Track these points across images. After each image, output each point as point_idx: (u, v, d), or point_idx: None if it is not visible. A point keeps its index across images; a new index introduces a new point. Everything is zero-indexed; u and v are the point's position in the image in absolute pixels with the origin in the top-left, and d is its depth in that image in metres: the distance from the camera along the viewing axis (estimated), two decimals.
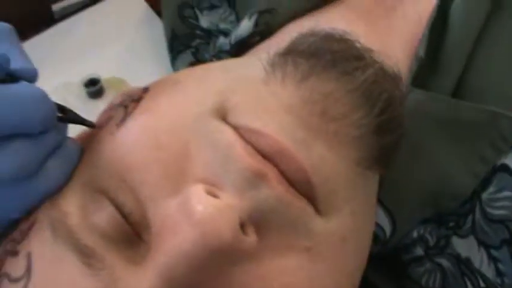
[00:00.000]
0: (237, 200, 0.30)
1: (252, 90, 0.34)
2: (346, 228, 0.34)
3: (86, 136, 0.38)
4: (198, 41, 0.57)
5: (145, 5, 0.70)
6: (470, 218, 0.40)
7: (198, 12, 0.56)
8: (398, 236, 0.42)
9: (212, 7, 0.56)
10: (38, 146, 0.33)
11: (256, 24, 0.48)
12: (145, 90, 0.37)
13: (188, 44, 0.58)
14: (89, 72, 0.63)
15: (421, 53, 0.39)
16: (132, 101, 0.36)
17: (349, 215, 0.34)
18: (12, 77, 0.33)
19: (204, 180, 0.31)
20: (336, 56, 0.33)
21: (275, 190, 0.31)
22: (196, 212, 0.29)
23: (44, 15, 0.73)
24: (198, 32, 0.57)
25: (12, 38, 0.35)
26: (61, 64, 0.64)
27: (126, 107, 0.36)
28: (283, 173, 0.31)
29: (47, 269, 0.32)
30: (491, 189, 0.40)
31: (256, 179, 0.31)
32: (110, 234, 0.32)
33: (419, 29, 0.42)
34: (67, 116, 0.35)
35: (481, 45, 0.40)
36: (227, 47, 0.50)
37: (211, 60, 0.53)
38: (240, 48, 0.49)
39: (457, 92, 0.40)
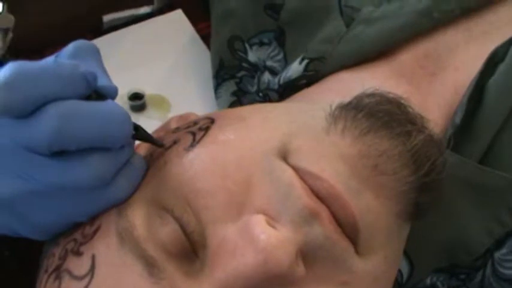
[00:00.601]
0: (292, 233, 0.35)
1: (313, 137, 0.38)
2: (379, 269, 0.38)
3: (149, 152, 0.42)
4: (243, 72, 0.61)
5: (191, 29, 0.74)
6: (480, 273, 0.45)
7: (247, 46, 0.61)
8: (414, 281, 0.46)
9: (262, 44, 0.60)
10: (115, 160, 0.37)
11: (305, 69, 0.52)
12: (212, 121, 0.41)
13: (233, 74, 0.62)
14: (132, 87, 0.66)
15: (458, 120, 0.44)
16: (200, 129, 0.40)
17: (382, 258, 0.38)
18: (97, 94, 0.37)
19: (263, 212, 0.35)
20: (392, 118, 0.37)
21: (326, 229, 0.35)
22: (260, 240, 0.33)
23: (92, 24, 0.76)
24: (244, 64, 0.61)
25: (98, 56, 0.39)
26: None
27: (193, 134, 0.40)
28: (334, 215, 0.35)
29: (111, 272, 0.36)
30: (504, 250, 0.44)
31: (311, 217, 0.35)
32: (171, 248, 0.36)
33: (454, 97, 0.47)
34: (139, 133, 0.39)
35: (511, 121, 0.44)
36: (275, 86, 0.54)
37: (257, 94, 0.57)
38: (287, 88, 0.54)
39: (484, 159, 0.44)
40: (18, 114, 0.33)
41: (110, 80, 0.38)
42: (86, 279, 0.36)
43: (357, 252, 0.36)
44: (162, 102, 0.66)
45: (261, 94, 0.56)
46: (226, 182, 0.36)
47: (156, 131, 0.51)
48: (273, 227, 0.34)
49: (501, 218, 0.43)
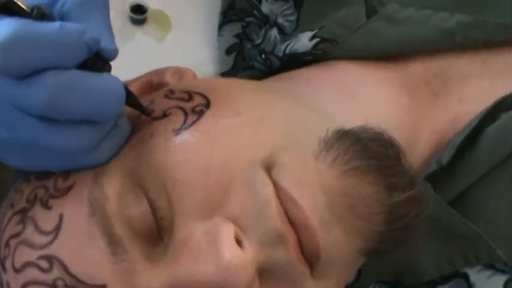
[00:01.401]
0: (256, 251, 0.36)
1: (301, 158, 0.38)
2: None
3: (135, 114, 0.41)
4: (252, 19, 0.59)
5: None
6: None
7: None
8: (357, 285, 0.49)
9: None
10: (103, 130, 0.36)
11: (314, 47, 0.51)
12: (208, 104, 0.40)
13: (242, 18, 0.60)
14: None
15: (444, 161, 0.44)
16: (193, 111, 0.40)
17: (334, 282, 0.40)
18: (96, 56, 0.35)
19: (234, 220, 0.36)
20: (383, 164, 0.38)
21: (289, 254, 0.36)
22: (225, 257, 0.34)
23: None
24: (255, 12, 0.59)
25: (105, 11, 0.38)
26: None
27: (186, 114, 0.40)
28: (300, 242, 0.36)
29: (75, 239, 0.37)
30: (446, 286, 0.46)
31: (278, 240, 0.36)
32: (138, 228, 0.37)
33: (449, 128, 0.47)
34: (130, 99, 0.39)
35: (494, 174, 0.45)
36: (280, 53, 0.53)
37: (259, 55, 0.55)
38: (291, 59, 0.52)
39: (455, 201, 0.45)
40: (14, 75, 0.32)
41: (112, 39, 0.37)
42: (50, 237, 0.37)
43: (312, 274, 0.38)
44: (163, 21, 0.64)
45: (263, 56, 0.54)
46: (206, 181, 0.37)
47: (150, 73, 0.50)
48: (240, 240, 0.35)
49: (453, 260, 0.45)
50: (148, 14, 0.64)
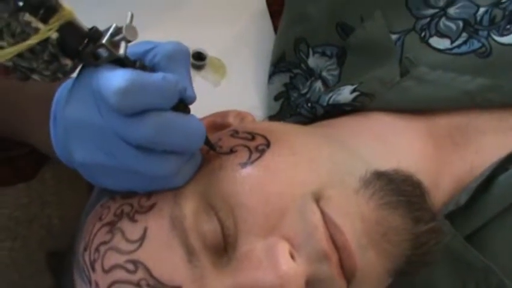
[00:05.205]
0: (306, 265, 0.44)
1: (344, 193, 0.46)
2: None
3: (204, 150, 0.49)
4: (299, 71, 0.68)
5: (263, 2, 0.79)
6: None
7: (311, 51, 0.67)
8: None
9: (323, 54, 0.66)
10: (184, 160, 0.45)
11: (354, 99, 0.59)
12: (268, 144, 0.49)
13: (290, 69, 0.69)
14: (196, 45, 0.72)
15: (462, 202, 0.52)
16: (256, 149, 0.48)
17: None
18: (182, 102, 0.44)
19: (288, 239, 0.44)
20: (411, 201, 0.46)
21: (331, 270, 0.44)
22: (282, 268, 0.42)
23: None
24: (303, 65, 0.68)
25: (188, 62, 0.46)
26: (174, 30, 0.71)
27: (250, 151, 0.48)
28: (341, 260, 0.44)
29: (158, 248, 0.45)
30: None
31: (324, 257, 0.44)
32: (209, 242, 0.45)
33: (467, 174, 0.55)
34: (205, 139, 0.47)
35: (504, 216, 0.52)
36: (324, 103, 0.61)
37: (306, 103, 0.64)
38: (334, 108, 0.61)
39: (471, 236, 0.53)
40: (125, 113, 0.40)
41: (192, 88, 0.45)
42: (135, 245, 0.45)
43: None
44: (219, 68, 0.73)
45: (309, 104, 0.63)
46: (266, 207, 0.45)
47: (214, 115, 0.58)
48: (293, 256, 0.43)
49: None
50: (207, 61, 0.73)
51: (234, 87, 0.73)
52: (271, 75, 0.70)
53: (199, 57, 0.73)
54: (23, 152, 0.72)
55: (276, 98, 0.70)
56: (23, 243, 0.72)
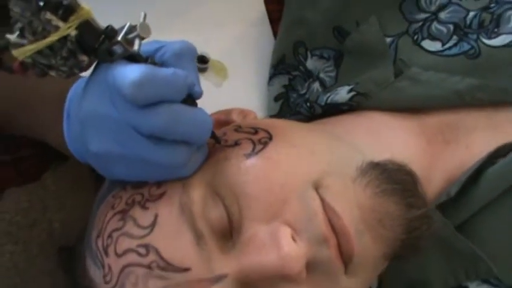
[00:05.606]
0: (307, 248, 0.47)
1: (342, 181, 0.49)
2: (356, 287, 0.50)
3: (210, 143, 0.52)
4: (297, 73, 0.72)
5: (263, 8, 0.82)
6: None
7: (309, 54, 0.71)
8: None
9: (321, 57, 0.70)
10: (192, 151, 0.48)
11: (350, 99, 0.63)
12: (270, 137, 0.52)
13: (289, 71, 0.72)
14: (199, 49, 0.75)
15: (452, 193, 0.55)
16: (259, 142, 0.51)
17: (362, 280, 0.51)
18: (190, 96, 0.47)
19: (290, 225, 0.47)
20: (404, 188, 0.49)
21: (330, 253, 0.47)
22: (284, 249, 0.45)
23: None
24: (301, 67, 0.71)
25: (194, 59, 0.49)
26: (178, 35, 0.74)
27: (254, 144, 0.51)
28: (339, 244, 0.47)
29: (168, 232, 0.47)
30: None
31: (323, 241, 0.47)
32: (216, 227, 0.48)
33: (458, 169, 0.58)
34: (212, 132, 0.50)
35: (491, 206, 0.55)
36: (322, 103, 0.65)
37: (305, 103, 0.67)
38: (331, 107, 0.64)
39: (462, 225, 0.56)
40: (138, 104, 0.43)
41: (199, 84, 0.48)
42: (147, 230, 0.48)
43: (346, 272, 0.49)
44: (221, 70, 0.76)
45: (308, 104, 0.66)
46: (269, 195, 0.48)
47: (218, 112, 0.62)
48: (295, 239, 0.46)
49: (457, 275, 0.56)
50: (210, 64, 0.76)
51: (235, 89, 0.76)
52: (271, 77, 0.74)
53: (202, 60, 0.76)
54: (27, 153, 0.75)
55: (276, 99, 0.73)
56: (24, 247, 0.74)
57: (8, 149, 0.73)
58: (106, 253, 0.50)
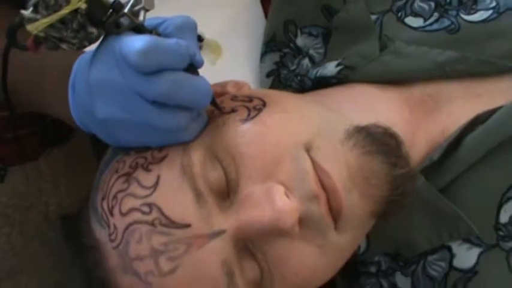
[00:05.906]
0: (299, 204, 0.50)
1: (331, 142, 0.53)
2: (345, 243, 0.55)
3: (209, 108, 0.56)
4: (288, 50, 0.75)
5: None
6: (414, 266, 0.62)
7: (299, 32, 0.74)
8: (366, 256, 0.63)
9: (310, 34, 0.74)
10: (193, 116, 0.51)
11: (338, 72, 0.67)
12: (264, 104, 0.55)
13: (280, 49, 0.76)
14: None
15: (435, 157, 0.59)
16: (254, 108, 0.55)
17: (351, 237, 0.55)
18: (192, 65, 0.51)
19: (283, 184, 0.51)
20: (388, 149, 0.53)
21: (321, 208, 0.51)
22: (278, 204, 0.49)
23: None
24: (291, 45, 0.75)
25: (195, 32, 0.53)
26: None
27: (249, 110, 0.55)
28: (329, 201, 0.51)
29: (170, 191, 0.51)
30: (435, 256, 0.61)
31: (313, 198, 0.51)
32: (215, 187, 0.51)
33: (440, 136, 0.62)
34: (212, 99, 0.54)
35: (471, 170, 0.59)
36: (312, 76, 0.68)
37: (295, 76, 0.71)
38: (320, 81, 0.68)
39: (445, 188, 0.60)
40: (143, 72, 0.46)
41: (200, 54, 0.52)
42: (150, 190, 0.51)
43: (336, 228, 0.53)
44: (216, 48, 0.79)
45: (299, 77, 0.70)
46: (264, 155, 0.52)
47: (214, 84, 0.65)
48: (288, 196, 0.50)
49: (441, 235, 0.60)
50: (204, 43, 0.80)
51: (229, 66, 0.79)
52: (263, 55, 0.77)
53: (197, 39, 0.79)
54: (29, 131, 0.78)
55: (268, 75, 0.77)
56: (20, 229, 0.78)
57: (12, 127, 0.75)
58: (111, 213, 0.53)
